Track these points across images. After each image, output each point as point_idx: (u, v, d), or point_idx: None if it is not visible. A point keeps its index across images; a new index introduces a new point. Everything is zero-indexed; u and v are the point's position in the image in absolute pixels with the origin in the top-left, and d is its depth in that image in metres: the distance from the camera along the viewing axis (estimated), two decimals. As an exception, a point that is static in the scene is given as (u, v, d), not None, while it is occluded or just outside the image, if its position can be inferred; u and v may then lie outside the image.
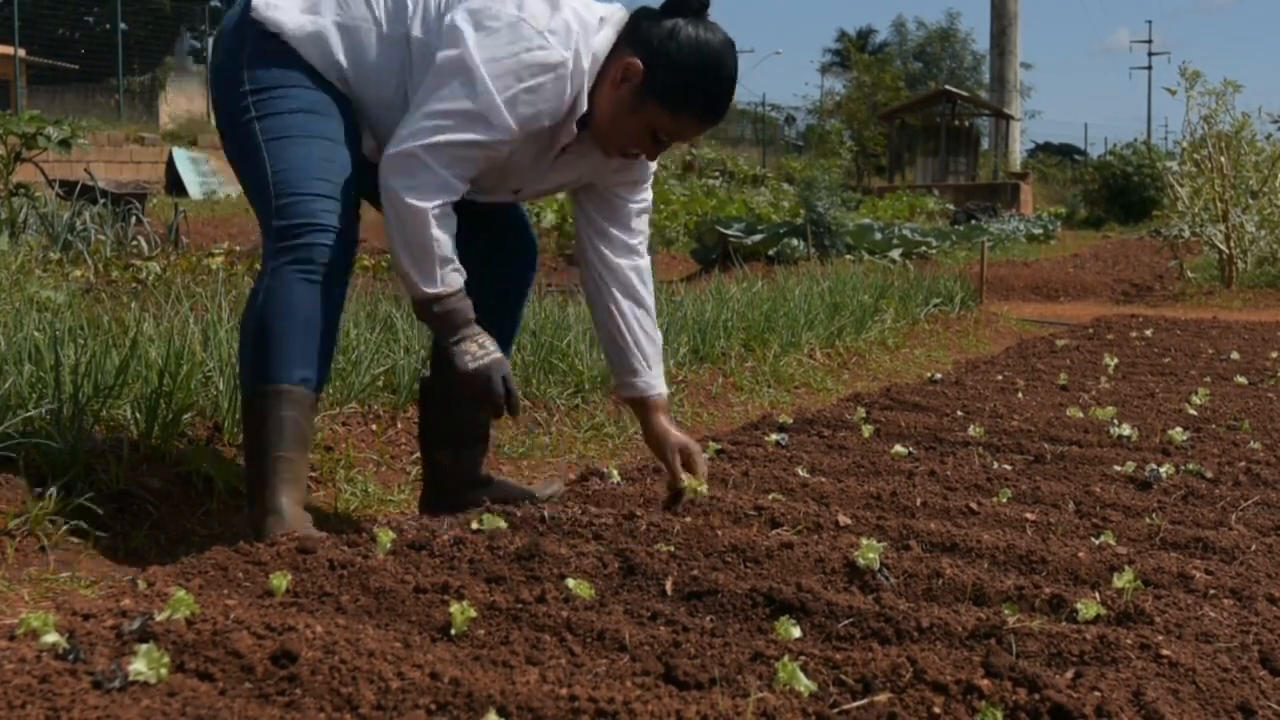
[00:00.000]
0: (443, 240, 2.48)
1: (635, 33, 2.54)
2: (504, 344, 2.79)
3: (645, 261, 2.83)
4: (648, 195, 2.83)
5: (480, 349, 2.54)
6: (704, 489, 2.65)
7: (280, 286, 2.46)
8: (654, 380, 2.78)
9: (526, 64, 2.43)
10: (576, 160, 2.67)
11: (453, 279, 2.51)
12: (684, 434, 2.78)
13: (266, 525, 2.40)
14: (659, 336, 2.83)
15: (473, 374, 2.53)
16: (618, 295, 2.76)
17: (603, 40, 2.53)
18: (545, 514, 2.59)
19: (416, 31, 2.52)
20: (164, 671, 1.62)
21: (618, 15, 2.58)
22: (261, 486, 2.46)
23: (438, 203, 2.45)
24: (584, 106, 2.52)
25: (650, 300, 2.81)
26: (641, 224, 2.82)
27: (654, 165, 2.80)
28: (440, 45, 2.47)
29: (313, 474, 3.26)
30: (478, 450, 2.91)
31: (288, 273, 2.46)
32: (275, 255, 2.48)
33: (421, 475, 3.04)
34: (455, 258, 2.51)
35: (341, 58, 2.56)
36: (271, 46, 2.55)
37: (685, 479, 2.67)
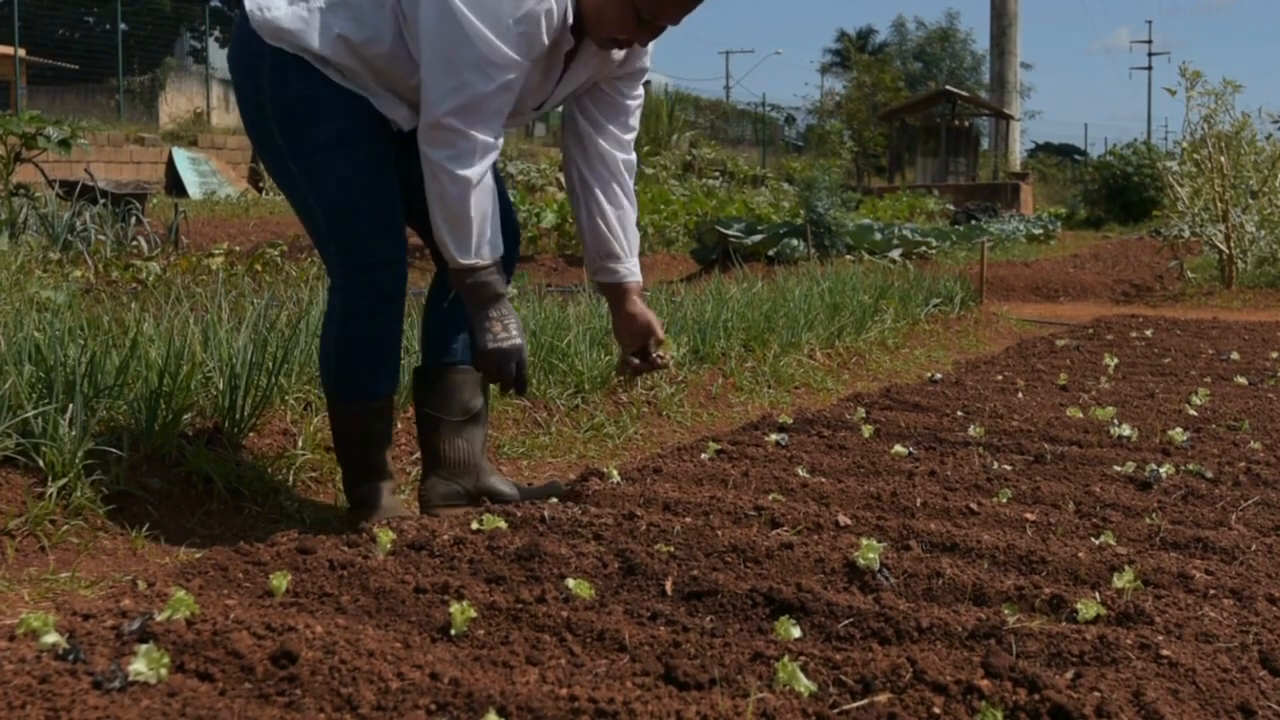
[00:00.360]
0: (482, 211, 2.59)
1: None
2: None
3: (634, 158, 2.94)
4: (641, 94, 2.92)
5: (504, 330, 2.65)
6: (673, 355, 2.81)
7: (353, 317, 2.72)
8: (634, 267, 2.91)
9: (526, 13, 2.49)
10: (583, 64, 2.73)
11: (486, 252, 2.62)
12: (653, 315, 2.93)
13: (371, 517, 2.73)
14: (637, 234, 2.95)
15: (489, 353, 2.65)
16: (611, 184, 2.87)
17: None
18: (545, 514, 2.59)
19: None
20: (164, 672, 1.62)
21: None
22: (359, 479, 2.83)
23: (480, 168, 2.55)
24: (571, 12, 2.58)
25: (633, 192, 2.93)
26: (635, 120, 2.92)
27: (649, 58, 2.86)
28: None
29: (313, 474, 3.26)
30: (475, 434, 2.96)
31: (357, 306, 2.72)
32: (344, 289, 2.72)
33: (421, 464, 3.08)
34: (491, 231, 2.62)
35: (344, 31, 2.60)
36: (284, 59, 2.62)
37: (656, 352, 2.90)
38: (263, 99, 2.65)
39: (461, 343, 2.92)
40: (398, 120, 2.71)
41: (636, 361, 2.93)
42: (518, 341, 2.67)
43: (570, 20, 2.59)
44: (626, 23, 2.62)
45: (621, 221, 2.89)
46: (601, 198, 2.87)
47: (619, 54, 2.75)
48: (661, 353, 2.95)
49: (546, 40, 2.56)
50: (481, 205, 2.58)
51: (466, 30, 2.46)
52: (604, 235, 2.89)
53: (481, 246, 2.61)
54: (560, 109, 2.93)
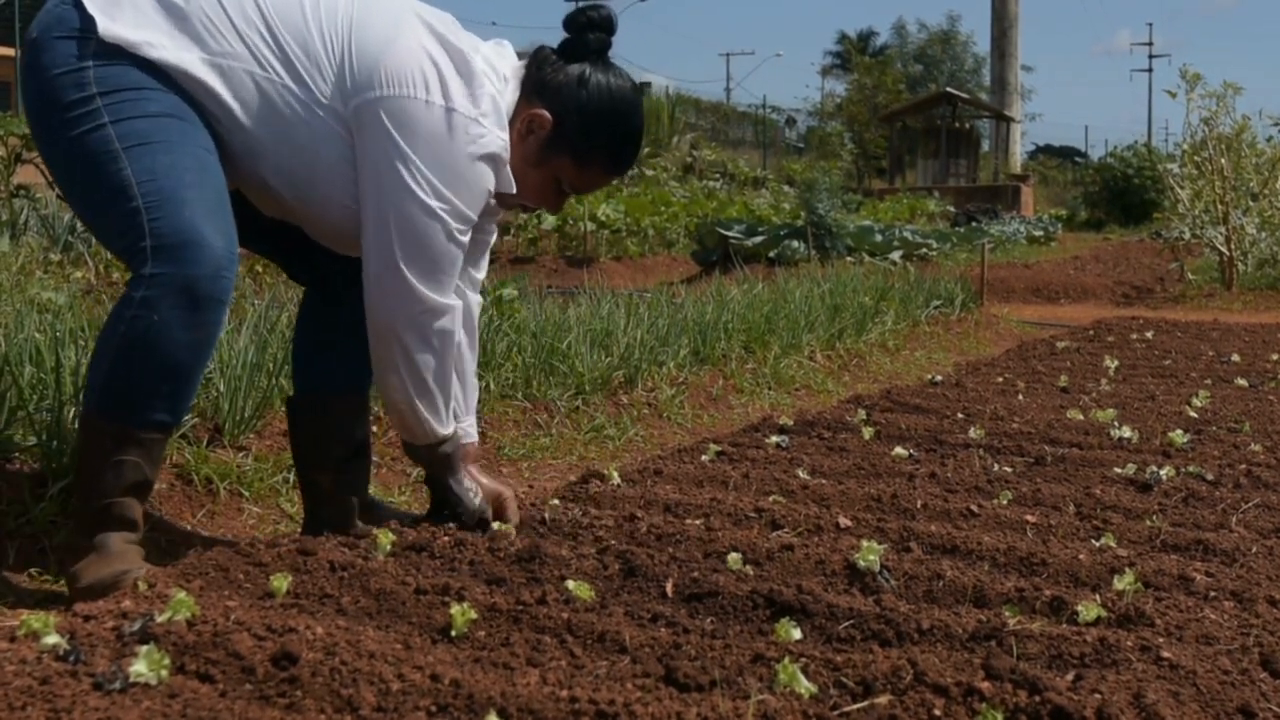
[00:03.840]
0: (452, 376, 2.43)
1: (540, 81, 2.40)
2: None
3: (479, 300, 2.70)
4: (495, 227, 2.71)
5: (473, 482, 2.56)
6: (511, 531, 2.52)
7: (155, 319, 2.11)
8: (469, 429, 2.64)
9: (472, 160, 2.28)
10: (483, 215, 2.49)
11: (455, 411, 2.49)
12: (498, 481, 2.70)
13: (92, 565, 2.18)
14: (475, 382, 2.69)
15: (479, 509, 2.53)
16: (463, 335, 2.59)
17: (509, 95, 2.39)
18: (546, 516, 2.59)
19: (310, 94, 2.25)
20: (164, 673, 1.62)
21: (514, 63, 2.43)
22: (93, 525, 2.22)
23: (456, 301, 2.37)
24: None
25: (476, 343, 2.68)
26: (487, 256, 2.70)
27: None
28: (362, 137, 2.24)
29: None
30: (360, 468, 2.65)
31: (164, 305, 2.11)
32: (150, 280, 2.11)
33: (302, 505, 2.73)
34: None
35: (212, 108, 2.24)
36: (118, 59, 2.18)
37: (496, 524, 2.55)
38: (85, 53, 2.16)
39: (344, 369, 2.58)
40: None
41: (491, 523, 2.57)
42: (480, 499, 2.54)
43: (503, 189, 2.41)
44: (545, 194, 2.47)
45: (460, 371, 2.58)
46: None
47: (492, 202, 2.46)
48: (513, 509, 2.62)
49: (494, 188, 2.38)
50: (455, 369, 2.43)
51: (430, 197, 2.24)
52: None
53: (453, 410, 2.46)
54: None
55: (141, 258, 2.13)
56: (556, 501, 2.82)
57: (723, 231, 12.26)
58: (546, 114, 2.38)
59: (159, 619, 1.78)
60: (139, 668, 1.61)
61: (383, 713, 1.57)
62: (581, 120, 2.38)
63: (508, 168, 2.38)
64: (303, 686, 1.62)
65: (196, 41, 2.21)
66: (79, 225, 7.80)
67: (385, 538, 2.28)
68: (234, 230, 2.21)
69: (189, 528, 2.85)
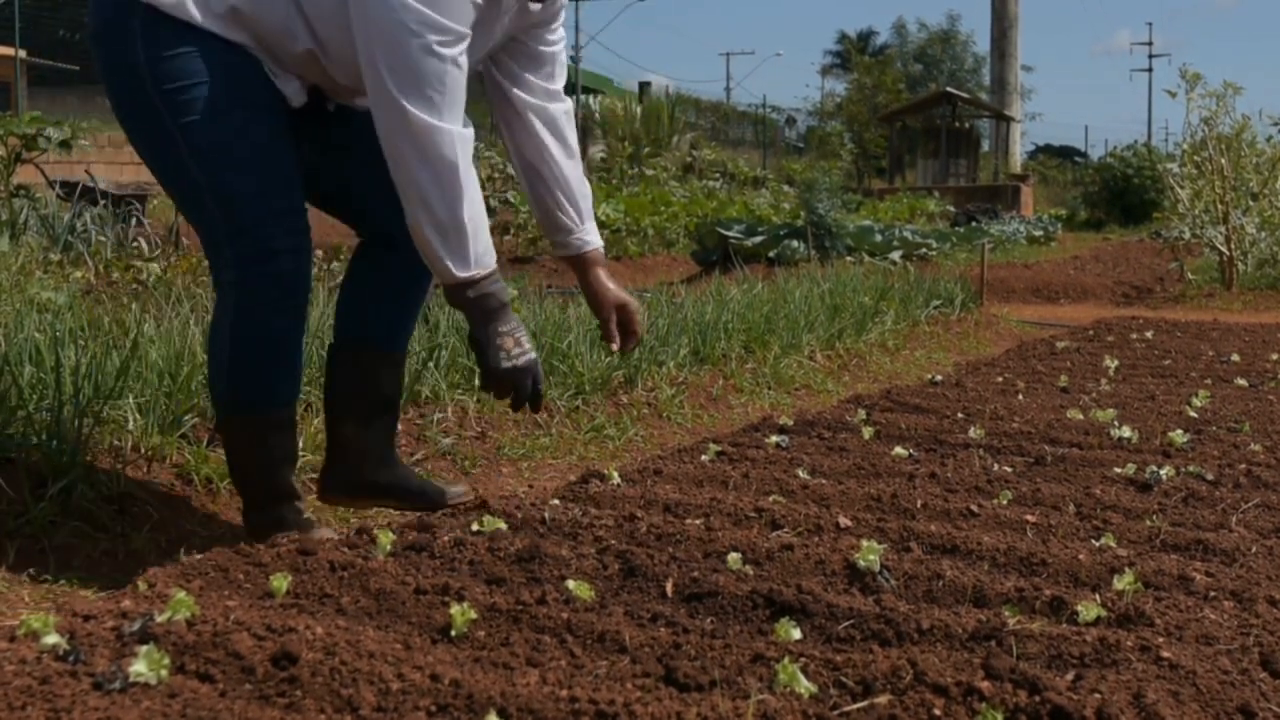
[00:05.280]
0: (476, 212, 2.37)
1: None
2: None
3: (567, 105, 2.72)
4: (561, 34, 2.70)
5: (516, 345, 2.46)
6: (634, 343, 2.66)
7: (250, 314, 2.40)
8: (588, 235, 2.70)
9: None
10: (504, 13, 2.51)
11: (488, 259, 2.42)
12: (622, 290, 2.72)
13: (272, 536, 2.39)
14: (588, 189, 2.73)
15: (504, 372, 2.47)
16: (545, 143, 2.65)
17: None
18: (546, 515, 2.59)
19: None
20: (164, 673, 1.62)
21: None
22: (263, 503, 2.52)
23: (464, 162, 2.34)
24: None
25: (576, 146, 2.71)
26: (560, 66, 2.71)
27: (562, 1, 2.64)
28: None
29: (313, 475, 3.25)
30: (386, 423, 2.75)
31: (255, 300, 2.39)
32: (239, 283, 2.39)
33: (325, 450, 2.83)
34: (486, 234, 2.41)
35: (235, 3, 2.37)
36: (158, 16, 2.35)
37: (616, 343, 2.67)
38: (135, 60, 2.36)
39: (385, 324, 2.70)
40: (289, 94, 2.48)
41: (616, 338, 2.69)
42: (532, 355, 2.49)
43: None
44: None
45: (561, 182, 2.65)
46: (535, 159, 2.65)
47: (536, 6, 2.55)
48: (637, 320, 2.71)
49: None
50: (474, 205, 2.37)
51: (411, 12, 2.26)
52: (546, 203, 2.68)
53: (482, 253, 2.40)
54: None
55: (226, 260, 2.39)
56: (556, 501, 2.81)
57: (722, 231, 12.25)
58: None
59: (159, 619, 1.78)
60: (139, 667, 1.61)
61: (383, 713, 1.57)
62: None
63: None
64: (302, 686, 1.62)
65: None
66: (78, 225, 7.80)
67: (385, 537, 2.28)
68: (303, 214, 2.43)
69: (189, 528, 2.85)
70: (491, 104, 2.74)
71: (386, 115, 2.33)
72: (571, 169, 2.69)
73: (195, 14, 2.37)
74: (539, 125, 2.66)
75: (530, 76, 2.66)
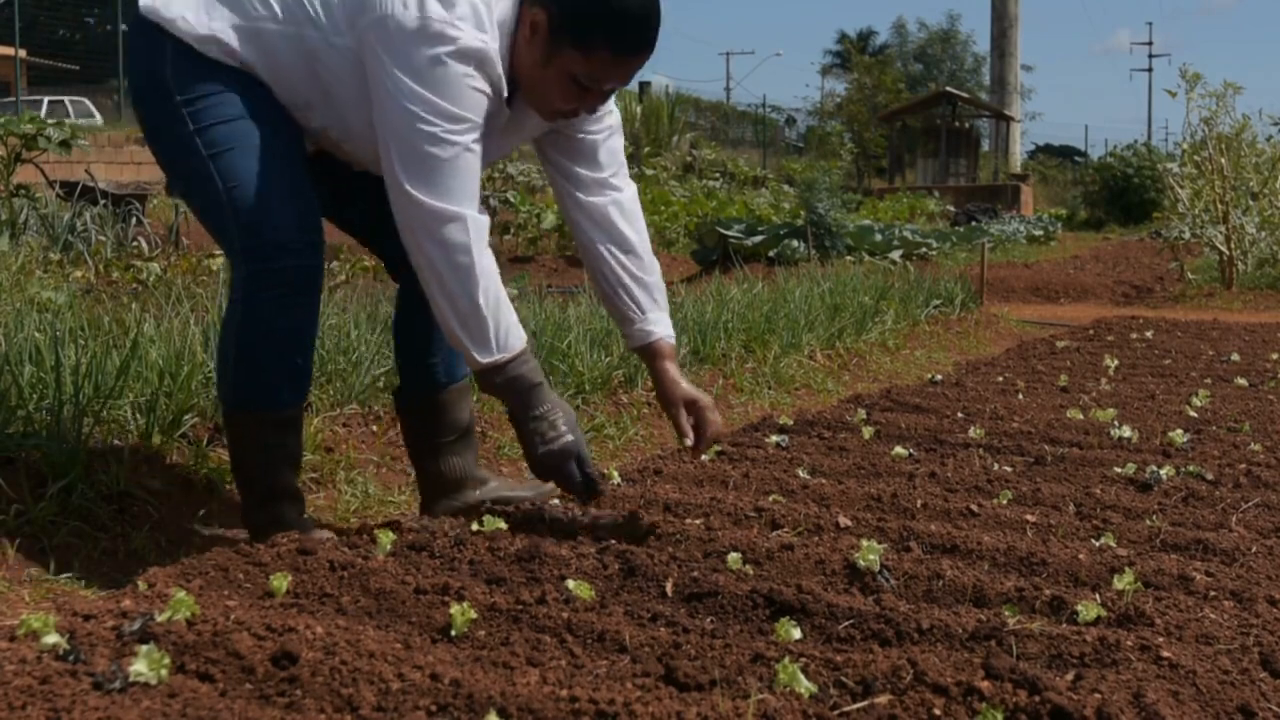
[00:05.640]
0: (495, 295, 2.33)
1: None
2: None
3: (625, 194, 2.63)
4: (610, 120, 2.62)
5: (552, 429, 2.40)
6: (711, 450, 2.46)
7: (257, 311, 2.39)
8: (651, 325, 2.59)
9: (447, 58, 2.28)
10: (524, 118, 2.53)
11: (513, 341, 2.37)
12: (693, 386, 2.59)
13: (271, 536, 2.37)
14: (653, 276, 2.63)
15: (542, 459, 2.43)
16: (597, 239, 2.59)
17: (504, 8, 2.39)
18: (546, 515, 2.59)
19: (323, 34, 2.39)
20: (164, 672, 1.62)
21: None
22: (262, 502, 2.52)
23: (478, 247, 2.31)
24: (504, 80, 2.40)
25: (636, 236, 2.61)
26: (610, 154, 2.62)
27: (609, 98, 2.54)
28: (365, 65, 2.34)
29: (313, 474, 3.26)
30: (467, 446, 2.84)
31: (262, 297, 2.38)
32: (247, 279, 2.39)
33: (418, 483, 2.94)
34: (510, 312, 2.37)
35: (249, 59, 2.42)
36: (188, 51, 2.42)
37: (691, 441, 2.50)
38: (163, 69, 2.42)
39: (442, 359, 2.75)
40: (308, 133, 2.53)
41: (689, 434, 2.54)
42: (569, 439, 2.40)
43: (505, 88, 2.41)
44: (568, 93, 2.41)
45: (614, 274, 2.59)
46: (595, 252, 2.60)
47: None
48: (711, 419, 2.53)
49: (491, 106, 2.36)
50: (492, 289, 2.33)
51: (426, 103, 2.27)
52: (607, 295, 2.63)
53: (506, 336, 2.35)
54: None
55: (237, 258, 2.40)
56: (556, 501, 2.82)
57: (722, 231, 12.25)
58: (540, 11, 2.37)
59: (159, 618, 1.78)
60: (139, 667, 1.61)
61: (382, 712, 1.57)
62: (568, 8, 2.35)
63: (499, 69, 2.36)
64: (302, 686, 1.62)
65: (230, 6, 2.41)
66: (78, 225, 7.81)
67: (385, 537, 2.28)
68: (318, 214, 2.44)
69: (189, 527, 2.85)
70: (556, 199, 2.71)
71: (399, 203, 2.33)
72: (630, 261, 2.61)
73: (221, 57, 2.42)
74: (585, 221, 2.61)
75: (577, 168, 2.61)
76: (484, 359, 2.36)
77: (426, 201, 2.30)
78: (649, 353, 2.58)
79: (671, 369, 2.56)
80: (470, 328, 2.35)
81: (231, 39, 2.41)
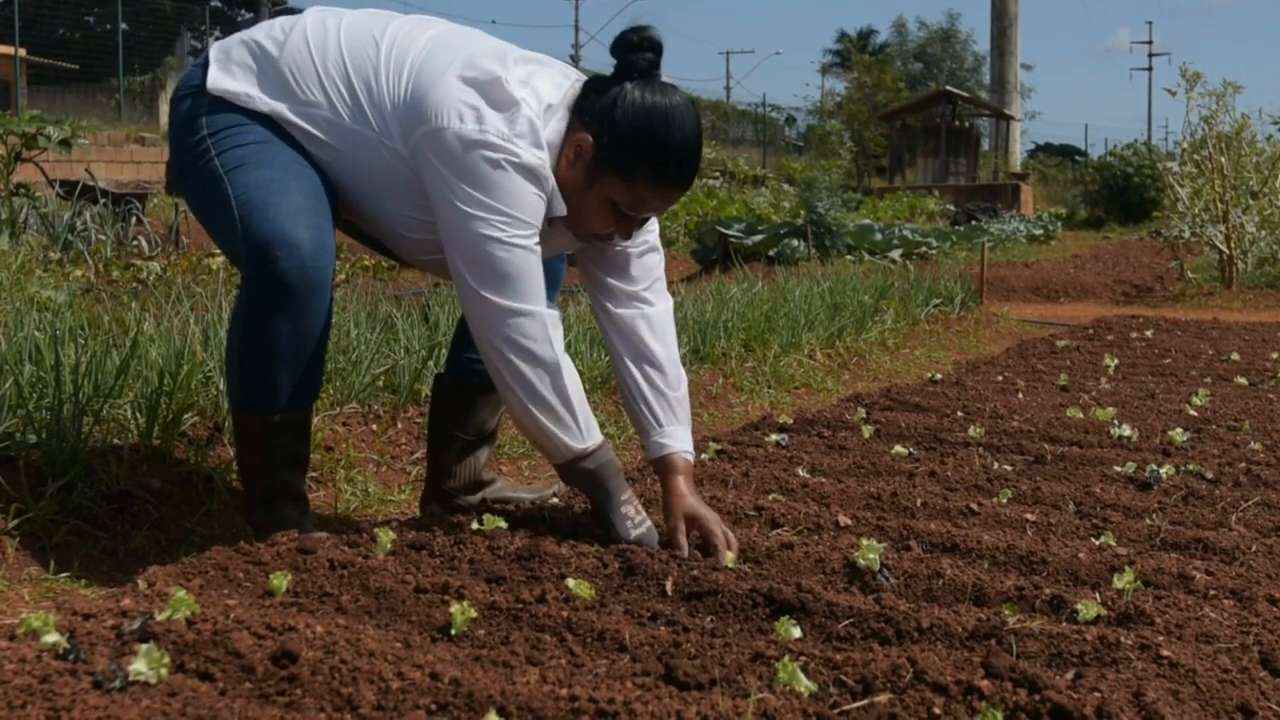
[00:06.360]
0: (576, 388, 2.38)
1: (584, 107, 2.43)
2: None
3: (656, 309, 2.64)
4: (647, 237, 2.64)
5: (637, 513, 2.45)
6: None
7: (260, 315, 2.39)
8: (667, 439, 2.56)
9: (509, 169, 2.32)
10: (559, 233, 2.55)
11: (595, 429, 2.42)
12: (701, 503, 2.49)
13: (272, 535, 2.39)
14: (677, 391, 2.61)
15: (636, 542, 2.42)
16: (623, 350, 2.60)
17: (554, 127, 2.42)
18: (545, 514, 2.59)
19: (378, 135, 2.43)
20: (164, 672, 1.62)
21: (569, 94, 2.46)
22: (264, 502, 2.54)
23: (556, 343, 2.36)
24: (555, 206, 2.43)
25: (664, 350, 2.61)
26: (644, 268, 2.64)
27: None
28: (422, 175, 2.38)
29: (313, 474, 3.26)
30: (484, 451, 2.92)
31: (266, 302, 2.38)
32: (251, 280, 2.40)
33: (424, 473, 3.00)
34: (586, 402, 2.41)
35: (298, 137, 2.49)
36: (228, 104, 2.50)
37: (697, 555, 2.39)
38: (200, 104, 2.51)
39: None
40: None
41: (684, 549, 2.41)
42: (649, 523, 2.45)
43: (554, 211, 2.43)
44: (606, 218, 2.44)
45: (640, 390, 2.58)
46: (620, 361, 2.61)
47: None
48: (715, 534, 2.39)
49: (545, 198, 2.38)
50: (573, 380, 2.38)
51: (490, 211, 2.31)
52: (628, 405, 2.62)
53: (589, 424, 2.41)
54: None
55: (241, 262, 2.42)
56: (556, 500, 2.82)
57: (722, 230, 12.26)
58: (587, 136, 2.40)
59: (158, 617, 1.78)
60: (138, 666, 1.61)
61: (382, 711, 1.57)
62: (616, 136, 2.38)
63: (552, 184, 2.40)
64: (302, 685, 1.62)
65: (285, 92, 2.48)
66: (78, 224, 7.81)
67: (385, 536, 2.28)
68: (327, 225, 2.45)
69: (188, 527, 2.85)
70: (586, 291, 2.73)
71: (472, 306, 2.37)
72: (654, 375, 2.60)
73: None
74: (613, 330, 2.63)
75: (609, 279, 2.62)
76: (576, 445, 2.40)
77: (498, 302, 2.33)
78: (662, 466, 2.55)
79: (681, 484, 2.51)
80: (559, 418, 2.39)
81: (286, 115, 2.48)
